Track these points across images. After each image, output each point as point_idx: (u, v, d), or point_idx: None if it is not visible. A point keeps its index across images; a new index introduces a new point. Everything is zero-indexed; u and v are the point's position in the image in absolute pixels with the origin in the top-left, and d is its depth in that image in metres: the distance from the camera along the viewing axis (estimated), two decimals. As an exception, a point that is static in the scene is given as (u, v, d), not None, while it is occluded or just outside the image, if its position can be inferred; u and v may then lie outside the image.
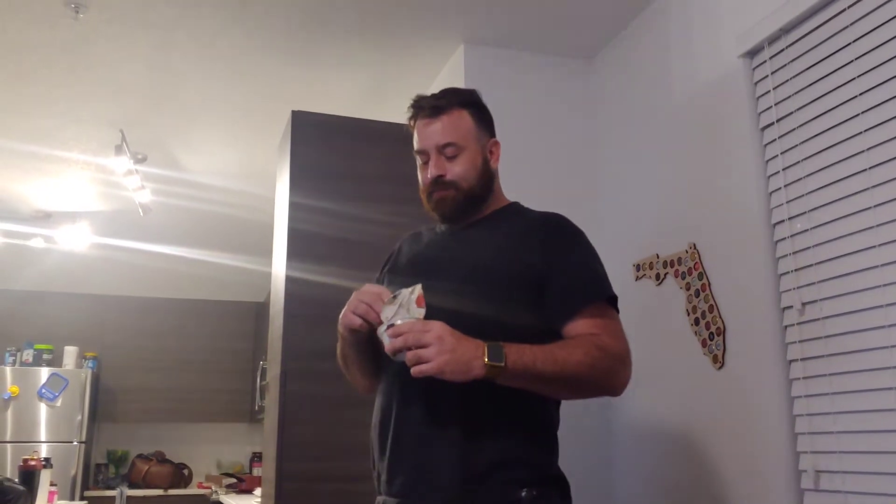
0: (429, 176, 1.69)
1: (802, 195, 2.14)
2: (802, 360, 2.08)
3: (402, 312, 1.44)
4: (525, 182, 3.08)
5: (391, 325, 1.43)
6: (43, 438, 5.84)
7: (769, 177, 2.28)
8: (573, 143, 3.21)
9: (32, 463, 3.79)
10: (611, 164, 3.10)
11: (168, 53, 3.33)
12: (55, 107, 3.81)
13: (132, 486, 6.33)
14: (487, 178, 1.72)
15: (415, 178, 2.99)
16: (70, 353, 6.23)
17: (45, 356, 6.18)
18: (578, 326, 1.54)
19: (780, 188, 2.22)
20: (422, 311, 1.44)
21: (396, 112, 3.76)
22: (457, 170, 1.68)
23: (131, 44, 3.25)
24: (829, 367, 2.00)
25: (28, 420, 5.86)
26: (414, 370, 1.38)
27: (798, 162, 2.16)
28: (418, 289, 1.46)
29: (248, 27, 3.12)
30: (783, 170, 2.21)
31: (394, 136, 3.07)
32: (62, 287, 6.47)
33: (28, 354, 6.11)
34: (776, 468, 2.11)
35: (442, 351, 1.36)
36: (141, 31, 3.16)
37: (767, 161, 2.29)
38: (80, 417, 5.98)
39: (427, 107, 1.71)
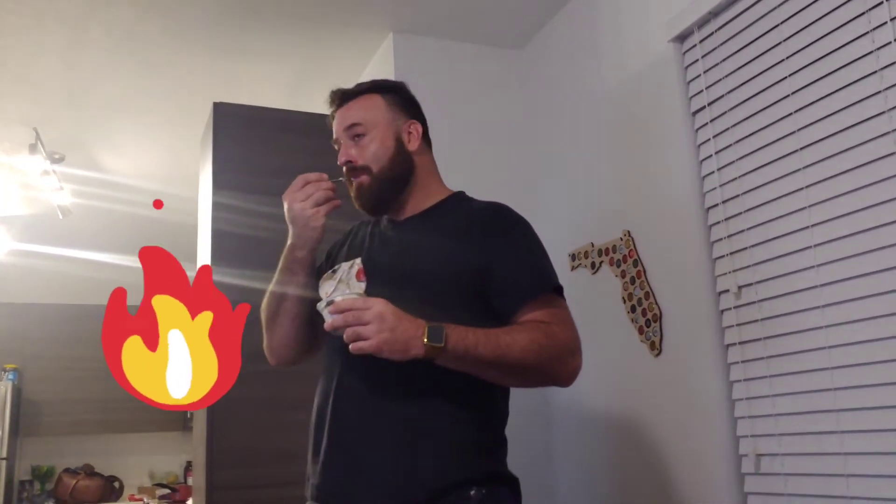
0: (339, 163, 1.63)
1: (735, 178, 2.13)
2: (740, 343, 2.08)
3: (341, 288, 1.41)
4: (459, 173, 3.02)
5: (331, 302, 1.37)
6: (-39, 456, 5.55)
7: (701, 161, 2.27)
8: (506, 134, 3.17)
9: (-55, 482, 3.57)
10: (545, 154, 3.07)
11: (82, 47, 3.17)
12: (-38, 104, 3.60)
13: (59, 502, 6.07)
14: (402, 160, 1.63)
15: (340, 170, 2.94)
16: (-12, 365, 5.94)
17: (-38, 369, 5.88)
18: (527, 317, 1.49)
19: (712, 172, 2.21)
20: (362, 286, 1.41)
21: (321, 104, 3.67)
22: (365, 153, 1.61)
23: (43, 38, 3.08)
24: (766, 349, 2.00)
25: (-56, 437, 5.56)
26: (352, 347, 1.34)
27: (730, 145, 2.16)
28: (357, 262, 1.43)
29: (166, 18, 2.99)
30: (715, 153, 2.21)
31: (321, 127, 3.00)
32: (-23, 296, 6.16)
33: (-57, 368, 5.81)
34: (717, 453, 2.10)
35: (381, 329, 1.32)
36: (53, 24, 2.99)
37: (699, 145, 2.28)
38: (1, 433, 5.70)
39: (339, 95, 1.67)
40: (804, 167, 1.92)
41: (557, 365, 1.47)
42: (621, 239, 2.52)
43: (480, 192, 2.98)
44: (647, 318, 2.39)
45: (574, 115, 2.88)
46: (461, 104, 3.14)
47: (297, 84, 3.55)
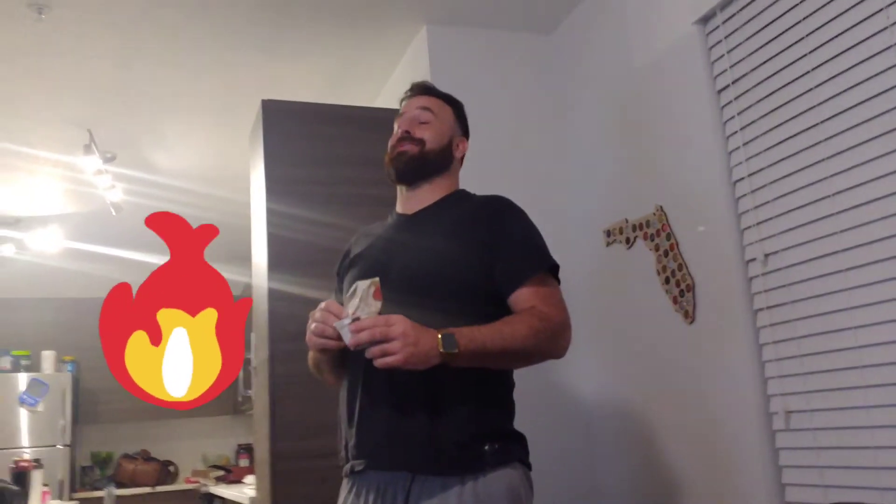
0: (399, 130, 1.87)
1: (760, 153, 2.24)
2: (768, 308, 2.20)
3: (362, 307, 1.51)
4: (494, 159, 3.18)
5: (355, 320, 1.50)
6: (27, 444, 5.84)
7: (728, 137, 2.38)
8: (539, 117, 3.30)
9: (24, 464, 3.81)
10: (577, 135, 3.19)
11: (133, 50, 3.35)
12: (21, 108, 3.81)
13: (119, 486, 6.33)
14: (446, 156, 1.88)
15: (383, 160, 3.07)
16: (48, 357, 6.21)
17: (24, 362, 6.16)
18: (521, 296, 1.68)
19: (738, 147, 2.32)
20: (378, 304, 1.53)
21: (362, 97, 3.83)
22: (426, 132, 1.85)
23: (96, 42, 3.27)
24: (793, 313, 2.12)
25: (11, 426, 5.85)
26: (379, 362, 1.49)
27: (755, 121, 2.27)
28: (376, 282, 1.54)
29: (212, 20, 3.15)
30: (741, 129, 2.32)
31: (361, 118, 3.16)
32: (36, 292, 6.44)
33: (5, 361, 6.08)
34: (749, 412, 2.22)
35: (406, 344, 1.47)
36: (105, 30, 3.18)
37: (725, 122, 2.39)
38: (62, 421, 5.98)
39: (424, 86, 1.95)
40: (826, 139, 2.02)
41: (552, 344, 1.65)
42: (654, 214, 2.64)
43: (516, 175, 3.14)
44: (680, 288, 2.51)
45: (603, 96, 3.00)
46: (494, 90, 3.27)
47: (335, 79, 3.70)
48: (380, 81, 3.74)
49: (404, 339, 1.47)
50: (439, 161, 1.86)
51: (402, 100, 1.96)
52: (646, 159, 2.73)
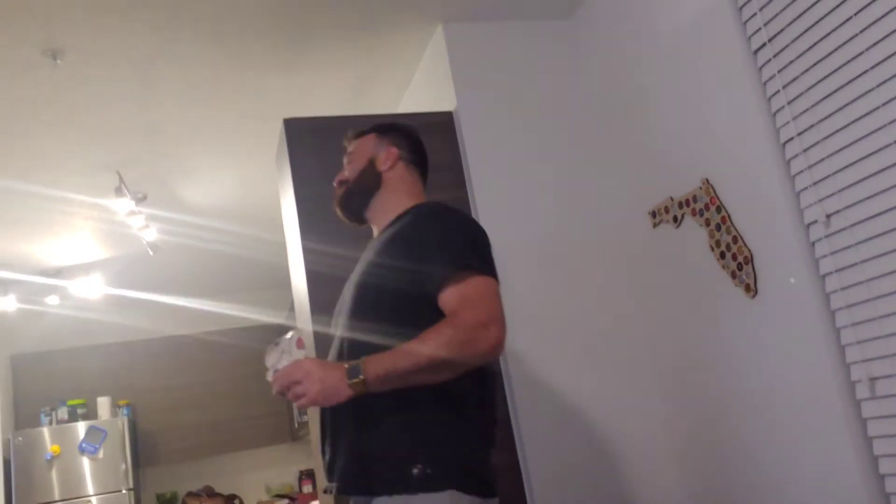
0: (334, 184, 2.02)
1: (807, 109, 2.13)
2: (837, 271, 2.07)
3: (284, 358, 1.62)
4: (525, 150, 3.09)
5: (276, 371, 1.62)
6: (91, 492, 5.85)
7: (770, 98, 2.27)
8: (568, 103, 3.20)
9: (88, 513, 3.79)
10: (609, 117, 3.08)
11: (151, 88, 3.33)
12: (49, 158, 3.81)
13: (187, 524, 6.33)
14: (370, 176, 1.95)
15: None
16: (103, 403, 6.23)
17: (80, 411, 6.18)
18: (444, 301, 1.65)
19: (783, 107, 2.21)
20: (302, 353, 1.63)
21: (385, 103, 3.77)
22: (347, 171, 2.00)
23: (113, 84, 3.25)
24: (865, 273, 1.99)
25: (74, 476, 5.86)
26: (297, 404, 1.59)
27: (797, 77, 2.15)
28: (297, 332, 1.64)
29: (226, 47, 3.11)
30: (783, 88, 2.20)
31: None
32: (84, 340, 6.47)
33: (63, 412, 6.11)
34: (828, 383, 2.10)
35: (312, 383, 1.55)
36: (121, 70, 3.16)
37: (765, 82, 2.28)
38: (123, 466, 5.98)
39: (349, 137, 2.06)
40: (877, 85, 1.90)
41: (471, 347, 1.57)
42: (700, 188, 2.53)
43: (551, 167, 3.04)
44: (738, 261, 2.39)
45: (631, 72, 2.89)
46: (518, 80, 3.18)
47: (357, 89, 3.64)
48: (401, 86, 3.67)
49: (309, 379, 1.55)
50: (363, 185, 1.95)
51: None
52: (684, 132, 2.62)
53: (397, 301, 1.70)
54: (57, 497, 5.76)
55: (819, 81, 2.08)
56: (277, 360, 1.62)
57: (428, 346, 1.55)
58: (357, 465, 1.67)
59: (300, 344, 1.63)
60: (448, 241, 1.72)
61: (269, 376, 1.62)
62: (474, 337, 1.57)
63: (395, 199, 1.92)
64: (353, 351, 1.71)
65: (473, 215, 3.00)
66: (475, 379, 1.69)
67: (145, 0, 2.73)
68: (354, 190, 1.96)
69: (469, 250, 1.71)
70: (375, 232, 1.96)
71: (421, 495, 1.58)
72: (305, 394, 1.55)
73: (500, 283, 1.70)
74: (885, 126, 1.90)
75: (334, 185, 2.02)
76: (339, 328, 1.84)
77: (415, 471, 1.59)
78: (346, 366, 1.56)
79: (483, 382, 1.73)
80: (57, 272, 5.55)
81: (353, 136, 2.05)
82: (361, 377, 1.53)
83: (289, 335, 1.64)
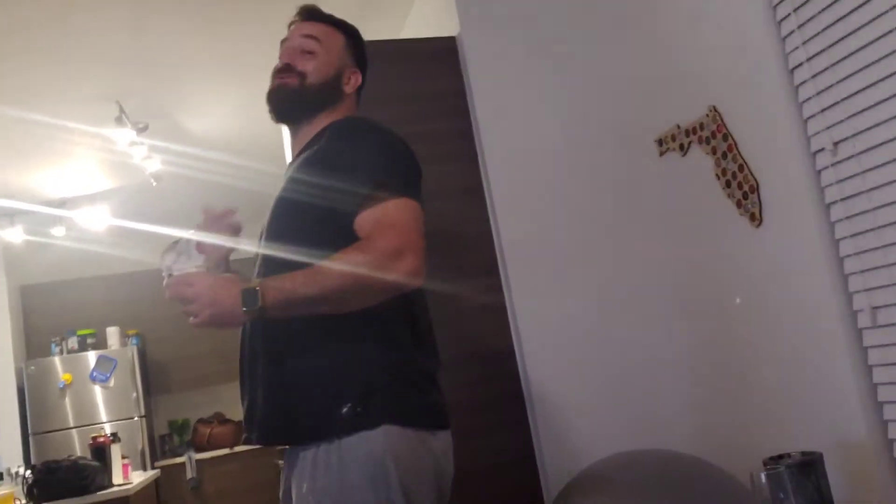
0: (280, 62, 1.73)
1: (819, 32, 2.06)
2: (842, 200, 2.05)
3: (181, 260, 1.47)
4: (529, 77, 3.03)
5: (170, 275, 1.47)
6: (104, 419, 5.99)
7: (780, 21, 2.20)
8: (573, 28, 3.12)
9: (101, 440, 3.88)
10: (616, 42, 3.01)
11: (147, 15, 3.28)
12: (48, 90, 3.77)
13: (198, 450, 6.48)
14: (333, 90, 1.74)
15: (419, 96, 2.97)
16: (112, 333, 6.33)
17: (90, 340, 6.28)
18: (359, 223, 1.51)
19: (793, 31, 2.14)
20: (202, 258, 1.47)
21: (387, 30, 3.70)
22: (308, 64, 1.71)
23: (112, 10, 3.19)
24: (870, 202, 1.97)
25: (87, 404, 6.00)
26: (190, 322, 1.45)
27: (809, 0, 2.08)
28: (196, 235, 1.49)
29: (223, -30, 3.04)
30: (794, 11, 2.13)
31: (388, 54, 3.04)
32: (91, 271, 6.53)
33: (73, 342, 6.21)
34: (830, 312, 2.09)
35: (203, 305, 1.41)
36: (117, -3, 3.10)
37: (776, 6, 2.21)
38: (135, 394, 6.11)
39: (309, 10, 1.79)
40: (891, 8, 1.84)
41: (381, 275, 1.44)
42: (707, 115, 2.49)
43: (557, 91, 2.99)
44: (743, 190, 2.37)
45: (640, -2, 2.82)
46: (520, 4, 3.10)
47: (358, 15, 3.53)
48: (403, 11, 3.59)
49: (199, 301, 1.42)
50: (323, 96, 1.72)
51: (290, 24, 1.80)
52: (691, 58, 2.56)
53: (312, 220, 1.56)
54: (72, 424, 5.91)
55: (830, 4, 2.01)
56: (172, 263, 1.47)
57: (334, 272, 1.42)
58: (277, 415, 1.53)
59: (200, 248, 1.48)
60: (367, 160, 1.56)
61: (164, 279, 1.48)
62: (385, 265, 1.43)
63: (332, 119, 1.73)
64: (267, 268, 1.59)
65: (477, 144, 2.97)
66: (403, 308, 1.57)
67: (138, -78, 2.66)
68: (309, 93, 1.71)
69: (390, 171, 1.56)
70: (295, 142, 1.78)
71: (351, 437, 1.45)
72: (197, 315, 1.42)
73: (423, 209, 1.56)
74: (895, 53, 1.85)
75: (277, 67, 1.73)
76: (260, 245, 1.68)
77: (343, 410, 1.46)
78: (241, 288, 1.40)
79: (413, 312, 1.61)
80: (62, 203, 5.56)
81: (315, 17, 1.78)
82: (258, 305, 1.39)
83: (188, 235, 1.49)
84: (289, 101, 1.70)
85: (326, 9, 2.85)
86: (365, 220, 1.50)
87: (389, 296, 1.49)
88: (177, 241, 1.49)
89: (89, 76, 3.72)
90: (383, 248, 1.45)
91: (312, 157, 1.64)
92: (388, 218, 1.49)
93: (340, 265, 1.42)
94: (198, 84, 4.04)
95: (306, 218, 1.57)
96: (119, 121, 3.95)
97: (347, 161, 1.56)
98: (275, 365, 1.55)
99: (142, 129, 4.29)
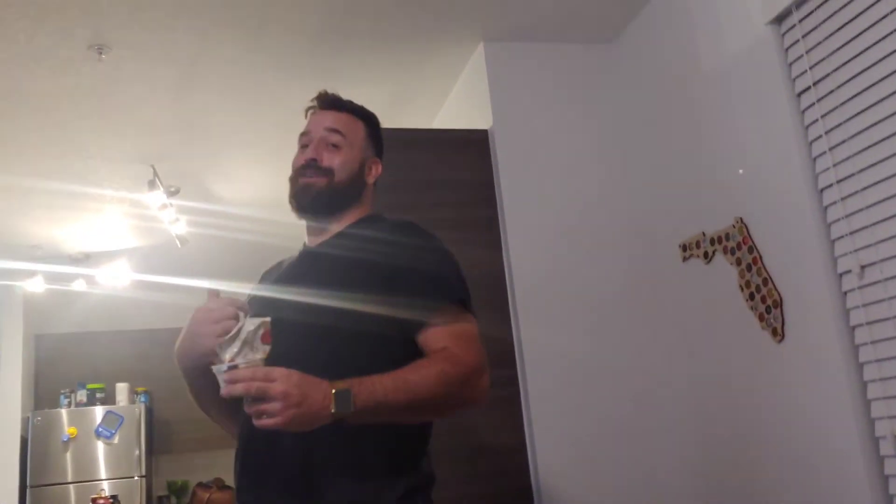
0: (304, 157, 1.65)
1: (849, 157, 2.10)
2: (868, 324, 2.04)
3: (245, 351, 1.29)
4: (558, 173, 3.08)
5: (234, 367, 1.27)
6: (104, 476, 5.90)
7: (811, 142, 2.24)
8: (604, 129, 3.19)
9: (101, 501, 3.84)
10: (645, 145, 3.06)
11: (191, 85, 3.36)
12: (86, 149, 3.86)
13: (195, 514, 6.37)
14: (358, 184, 1.68)
15: (449, 183, 3.02)
16: (122, 389, 6.29)
17: (98, 395, 6.25)
18: (431, 336, 1.45)
19: (824, 152, 2.18)
20: (267, 348, 1.30)
21: (420, 118, 3.78)
22: (335, 160, 1.64)
23: (155, 80, 3.28)
24: (896, 329, 1.96)
25: (88, 459, 5.93)
26: (256, 423, 1.26)
27: (840, 124, 2.12)
28: (266, 323, 1.32)
29: (268, 51, 3.13)
30: (825, 133, 2.18)
31: (422, 142, 3.11)
32: (107, 325, 6.54)
33: (82, 395, 6.19)
34: (851, 437, 2.06)
35: (288, 405, 1.23)
36: (163, 67, 3.19)
37: (808, 126, 2.25)
38: (137, 452, 6.04)
39: (328, 99, 1.73)
40: (923, 140, 1.88)
41: (467, 390, 1.41)
42: (734, 226, 2.51)
43: (581, 190, 3.03)
44: (766, 304, 2.37)
45: (671, 103, 2.88)
46: (555, 103, 3.18)
47: (394, 101, 3.65)
48: (438, 101, 3.67)
49: (286, 401, 1.23)
50: (351, 192, 1.66)
51: (308, 109, 1.75)
52: (722, 169, 2.59)
53: (371, 333, 1.45)
54: (70, 479, 5.83)
55: (863, 130, 2.05)
56: (237, 354, 1.29)
57: (426, 381, 1.34)
58: None
59: (266, 337, 1.31)
60: (440, 271, 1.52)
61: (223, 370, 1.28)
62: (471, 380, 1.40)
63: (357, 213, 1.68)
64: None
65: (502, 235, 3.00)
66: (419, 435, 1.51)
67: (192, 0, 2.76)
68: (338, 191, 1.63)
69: (458, 285, 1.52)
70: (315, 235, 1.69)
71: None
72: (275, 415, 1.23)
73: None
74: (927, 183, 1.87)
75: (301, 162, 1.66)
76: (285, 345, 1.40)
77: None
78: (332, 389, 1.26)
79: (424, 440, 1.54)
80: (85, 257, 5.63)
81: (337, 106, 1.72)
82: (351, 408, 1.26)
83: (255, 323, 1.31)
84: (318, 201, 1.63)
85: (358, 102, 2.94)
86: (440, 333, 1.44)
87: (462, 410, 1.46)
88: (239, 330, 1.31)
89: (128, 140, 3.81)
90: (470, 363, 1.41)
91: (359, 263, 1.54)
92: (467, 333, 1.46)
93: (432, 374, 1.36)
94: (231, 154, 4.13)
95: (362, 330, 1.45)
96: (152, 184, 4.02)
97: (415, 271, 1.50)
98: (306, 474, 1.41)
99: (173, 193, 4.37)
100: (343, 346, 1.45)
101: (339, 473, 1.40)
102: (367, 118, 1.76)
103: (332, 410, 1.25)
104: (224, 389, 1.26)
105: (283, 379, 1.24)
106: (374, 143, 1.74)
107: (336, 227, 1.66)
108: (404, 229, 1.61)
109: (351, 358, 1.43)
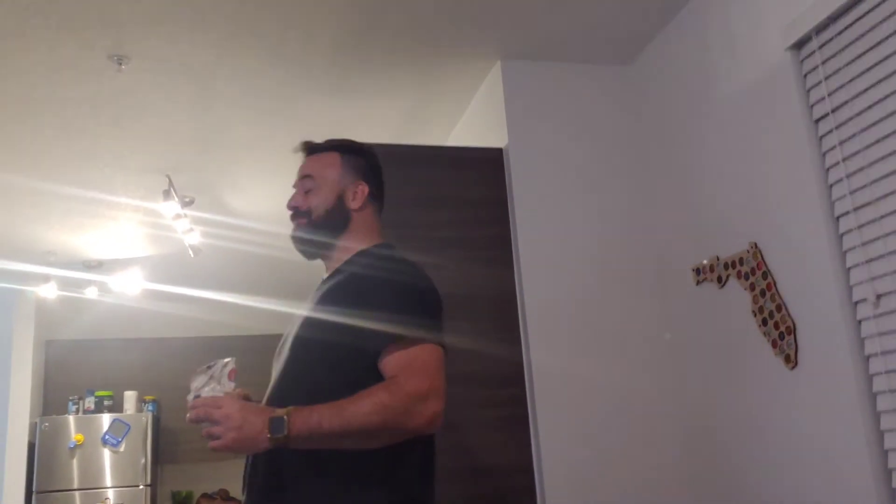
0: (289, 206, 1.81)
1: (866, 185, 2.09)
2: (882, 353, 2.02)
3: (212, 384, 1.49)
4: (572, 194, 3.08)
5: (197, 396, 1.48)
6: (109, 484, 5.91)
7: (828, 169, 2.23)
8: (619, 151, 3.18)
9: (105, 510, 3.83)
10: (660, 168, 3.06)
11: (210, 97, 3.38)
12: (103, 157, 3.89)
13: (199, 525, 6.35)
14: (336, 214, 1.78)
15: (463, 201, 3.02)
16: (130, 397, 6.30)
17: (106, 402, 6.26)
18: (385, 365, 1.53)
19: (841, 179, 2.17)
20: (232, 385, 1.50)
21: (436, 134, 3.79)
22: (309, 201, 1.78)
23: (174, 91, 3.30)
24: (911, 359, 1.94)
25: (94, 467, 5.93)
26: (209, 444, 1.44)
27: (858, 151, 2.11)
28: (231, 363, 1.51)
29: (285, 66, 3.15)
30: (843, 160, 2.16)
31: (437, 158, 3.11)
32: (117, 333, 6.57)
33: (90, 402, 6.19)
34: (863, 467, 2.04)
35: (229, 428, 1.41)
36: (182, 78, 3.21)
37: (825, 153, 2.24)
38: (143, 461, 6.04)
39: (303, 148, 1.87)
40: (942, 170, 1.86)
41: (405, 418, 1.46)
42: (748, 251, 2.49)
43: (596, 211, 3.03)
44: (780, 330, 2.35)
45: (688, 127, 2.87)
46: (571, 124, 3.18)
47: (409, 117, 3.66)
48: (453, 119, 3.68)
49: (227, 423, 1.41)
50: (332, 223, 1.77)
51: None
52: (737, 193, 2.58)
53: (334, 356, 1.58)
54: (75, 486, 5.83)
55: (881, 158, 2.04)
56: (203, 386, 1.49)
57: (361, 410, 1.43)
58: None
59: (232, 375, 1.51)
60: (396, 299, 1.59)
61: (190, 399, 1.49)
62: (409, 408, 1.45)
63: (355, 243, 1.78)
64: (280, 400, 1.55)
65: (514, 254, 2.99)
66: (410, 447, 1.56)
67: (212, 12, 2.78)
68: (319, 226, 1.77)
69: (417, 312, 1.58)
70: (326, 271, 1.83)
71: None
72: (220, 437, 1.41)
73: (446, 351, 1.58)
74: (945, 213, 1.85)
75: (288, 210, 1.82)
76: (276, 372, 1.69)
77: None
78: (269, 416, 1.42)
79: (422, 451, 1.61)
80: (98, 264, 5.65)
81: (306, 151, 1.86)
82: (284, 433, 1.40)
83: (224, 361, 1.52)
84: (306, 240, 1.78)
85: (375, 117, 2.98)
86: (392, 361, 1.52)
87: (406, 437, 1.50)
88: (211, 366, 1.51)
89: (145, 150, 3.83)
90: (410, 391, 1.46)
91: (335, 289, 1.69)
92: (415, 362, 1.51)
93: (367, 404, 1.44)
94: (247, 167, 4.14)
95: (327, 355, 1.59)
96: (167, 194, 4.04)
97: (374, 300, 1.59)
98: (271, 492, 1.55)
99: (187, 203, 4.38)
100: (316, 372, 1.59)
101: (305, 482, 1.53)
102: (342, 147, 1.85)
103: (268, 434, 1.40)
104: (187, 416, 1.47)
105: (227, 405, 1.43)
106: (353, 168, 1.82)
107: (335, 262, 1.79)
108: (383, 260, 1.71)
109: (320, 384, 1.56)
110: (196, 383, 1.50)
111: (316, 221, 1.77)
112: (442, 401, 1.49)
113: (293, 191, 1.82)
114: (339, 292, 1.67)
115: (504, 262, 3.00)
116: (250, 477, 1.61)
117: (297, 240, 1.80)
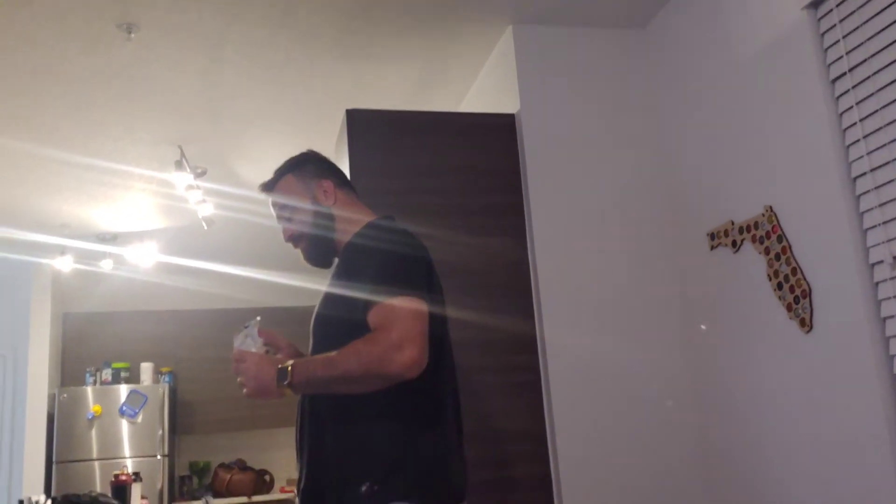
0: (285, 243, 2.02)
1: (884, 145, 2.06)
2: (899, 316, 2.00)
3: (245, 341, 1.77)
4: (585, 160, 3.05)
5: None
6: (127, 454, 5.98)
7: (845, 130, 2.20)
8: (633, 117, 3.15)
9: (123, 478, 3.88)
10: (676, 133, 3.03)
11: (219, 67, 3.37)
12: (114, 129, 3.88)
13: (216, 495, 6.42)
14: (322, 217, 1.94)
15: (475, 168, 3.00)
16: (146, 369, 6.36)
17: (123, 374, 6.32)
18: (370, 316, 1.67)
19: (858, 140, 2.14)
20: (260, 341, 1.77)
21: (447, 101, 3.76)
22: (293, 227, 1.97)
23: (183, 60, 3.29)
24: (929, 320, 1.92)
25: (112, 437, 6.01)
26: (243, 393, 1.72)
27: (876, 111, 2.08)
28: (258, 322, 1.80)
29: (295, 33, 3.13)
30: (860, 121, 2.13)
31: (446, 125, 3.09)
32: (133, 306, 6.62)
33: (107, 374, 6.25)
34: (880, 431, 2.03)
35: (249, 378, 1.69)
36: (191, 48, 3.19)
37: (842, 114, 2.21)
38: (161, 431, 6.11)
39: (263, 189, 2.02)
40: (962, 128, 1.83)
41: (381, 365, 1.59)
42: (763, 215, 2.47)
43: (610, 178, 3.01)
44: (795, 294, 2.33)
45: (703, 90, 2.83)
46: (584, 89, 3.14)
47: (421, 84, 3.64)
48: (466, 84, 3.65)
49: (247, 374, 1.69)
50: (319, 230, 1.93)
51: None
52: (752, 156, 2.55)
53: (338, 324, 1.76)
54: (95, 455, 5.91)
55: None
56: (241, 342, 1.77)
57: (345, 360, 1.62)
58: (313, 489, 1.72)
59: (260, 333, 1.77)
60: (371, 264, 1.74)
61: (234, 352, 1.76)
62: (384, 356, 1.59)
63: (351, 227, 1.90)
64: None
65: (527, 221, 2.98)
66: (424, 393, 1.70)
67: (221, -19, 2.76)
68: (315, 240, 1.95)
69: (391, 271, 1.72)
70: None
71: None
72: (244, 385, 1.70)
73: (427, 303, 1.68)
74: (965, 171, 1.82)
75: (287, 242, 2.01)
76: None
77: (363, 489, 1.63)
78: (278, 366, 1.66)
79: (433, 395, 1.74)
80: (113, 237, 5.67)
81: (266, 189, 2.01)
82: (288, 380, 1.64)
83: (255, 320, 1.79)
84: (315, 255, 1.98)
85: (385, 84, 2.93)
86: (373, 317, 1.66)
87: (392, 383, 1.63)
88: (247, 326, 1.78)
89: (156, 121, 3.83)
90: (384, 340, 1.61)
91: (334, 273, 1.89)
92: (391, 314, 1.64)
93: (350, 353, 1.62)
94: (258, 136, 4.13)
95: (334, 324, 1.79)
96: (179, 165, 4.04)
97: (357, 269, 1.76)
98: (313, 437, 1.75)
99: (200, 174, 4.38)
100: (325, 329, 1.84)
101: (334, 442, 1.71)
102: (289, 167, 2.00)
103: (277, 382, 1.65)
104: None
105: (249, 359, 1.71)
106: (308, 175, 1.97)
107: (340, 244, 1.96)
108: (371, 228, 1.87)
109: (329, 338, 1.76)
110: (237, 341, 1.78)
111: (311, 238, 1.95)
112: (419, 348, 1.60)
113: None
114: (335, 272, 1.88)
115: (517, 229, 2.99)
116: (299, 429, 1.81)
117: (309, 261, 1.99)
